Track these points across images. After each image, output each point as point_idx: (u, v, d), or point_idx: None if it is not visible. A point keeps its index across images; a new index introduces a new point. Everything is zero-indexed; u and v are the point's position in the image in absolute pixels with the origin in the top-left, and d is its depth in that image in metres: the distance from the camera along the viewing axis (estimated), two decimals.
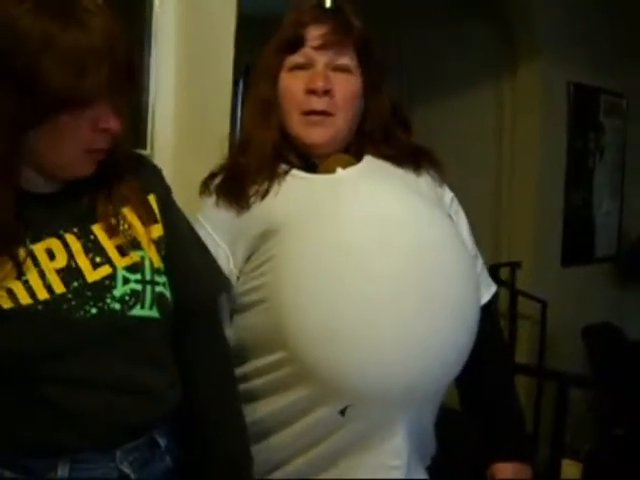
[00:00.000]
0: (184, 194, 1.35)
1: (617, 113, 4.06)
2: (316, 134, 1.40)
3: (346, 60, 1.41)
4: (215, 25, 1.87)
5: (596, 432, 3.26)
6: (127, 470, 1.14)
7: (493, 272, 1.76)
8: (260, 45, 1.48)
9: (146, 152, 1.74)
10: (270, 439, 1.34)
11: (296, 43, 1.40)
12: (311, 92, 1.38)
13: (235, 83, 1.95)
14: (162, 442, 1.20)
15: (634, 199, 4.15)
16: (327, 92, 1.38)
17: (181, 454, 1.24)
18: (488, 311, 1.46)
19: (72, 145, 1.07)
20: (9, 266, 1.07)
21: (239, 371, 1.35)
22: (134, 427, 1.15)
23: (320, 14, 1.42)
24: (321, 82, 1.37)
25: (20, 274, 1.07)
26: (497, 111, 3.76)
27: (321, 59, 1.39)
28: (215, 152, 1.57)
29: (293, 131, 1.42)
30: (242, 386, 1.34)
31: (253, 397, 1.35)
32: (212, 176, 1.46)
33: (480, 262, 1.52)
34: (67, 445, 1.10)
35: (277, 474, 1.35)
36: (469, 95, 3.82)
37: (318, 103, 1.38)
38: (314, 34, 1.40)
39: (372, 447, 1.30)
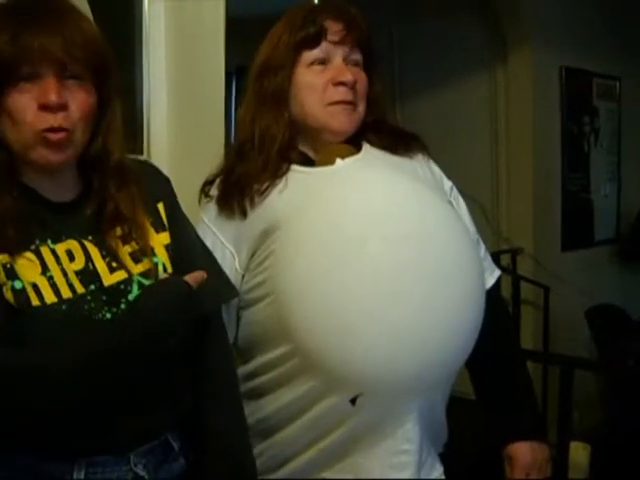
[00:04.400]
0: (180, 198, 1.34)
1: (611, 96, 4.04)
2: (344, 122, 1.43)
3: (358, 56, 1.46)
4: (205, 29, 1.88)
5: (604, 414, 3.27)
6: (142, 472, 1.15)
7: (494, 259, 1.77)
8: (252, 46, 1.50)
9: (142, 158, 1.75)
10: (280, 433, 1.36)
11: (316, 38, 1.43)
12: (340, 84, 1.42)
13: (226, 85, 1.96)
14: (176, 444, 1.21)
15: (631, 181, 4.15)
16: (354, 84, 1.42)
17: (194, 456, 1.25)
18: (493, 295, 1.48)
19: (25, 125, 1.07)
20: (35, 262, 1.09)
21: (246, 369, 1.37)
22: (149, 431, 1.16)
23: (337, 11, 1.45)
24: (350, 75, 1.42)
25: (45, 270, 1.09)
26: (491, 100, 3.75)
27: (338, 53, 1.43)
28: (210, 156, 1.58)
29: (317, 122, 1.43)
30: (249, 384, 1.36)
31: (261, 394, 1.36)
32: (209, 182, 1.47)
33: (482, 248, 1.54)
34: (83, 449, 1.11)
35: (289, 467, 1.36)
36: (461, 85, 3.81)
37: (347, 94, 1.42)
38: (333, 29, 1.43)
39: (384, 435, 1.32)
